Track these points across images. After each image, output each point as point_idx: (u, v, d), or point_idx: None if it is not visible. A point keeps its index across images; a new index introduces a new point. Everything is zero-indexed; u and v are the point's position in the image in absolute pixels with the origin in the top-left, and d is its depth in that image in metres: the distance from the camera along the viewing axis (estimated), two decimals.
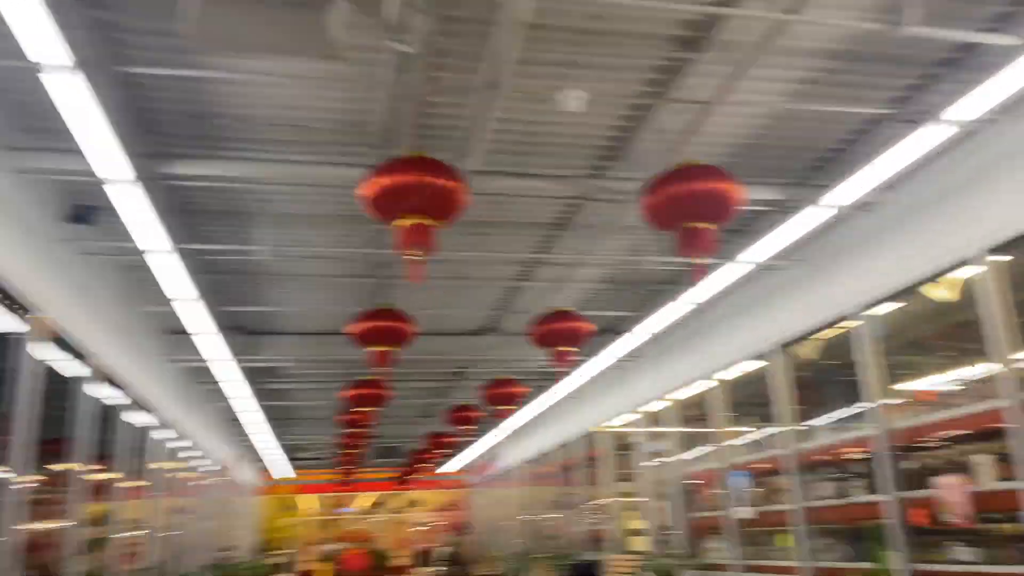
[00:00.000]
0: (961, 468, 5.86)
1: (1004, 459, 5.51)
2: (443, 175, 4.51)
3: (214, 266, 8.50)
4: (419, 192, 4.48)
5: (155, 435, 10.16)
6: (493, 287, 9.79)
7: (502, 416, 11.33)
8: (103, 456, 8.18)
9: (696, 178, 4.73)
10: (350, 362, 11.39)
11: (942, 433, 6.18)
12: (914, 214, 6.29)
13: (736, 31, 4.75)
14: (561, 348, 7.90)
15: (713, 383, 9.36)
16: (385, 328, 7.44)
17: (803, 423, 7.92)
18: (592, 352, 10.65)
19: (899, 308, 6.69)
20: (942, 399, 6.23)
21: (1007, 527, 5.52)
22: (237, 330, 10.90)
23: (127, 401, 8.72)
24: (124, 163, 5.08)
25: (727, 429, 9.24)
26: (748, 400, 9.27)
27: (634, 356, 11.19)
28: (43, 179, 6.08)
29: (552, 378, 12.73)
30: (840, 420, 7.60)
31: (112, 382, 8.22)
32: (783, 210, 6.94)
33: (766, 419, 8.54)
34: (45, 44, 3.89)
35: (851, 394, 7.17)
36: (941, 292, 6.23)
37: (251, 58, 4.90)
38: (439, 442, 17.36)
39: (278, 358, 10.92)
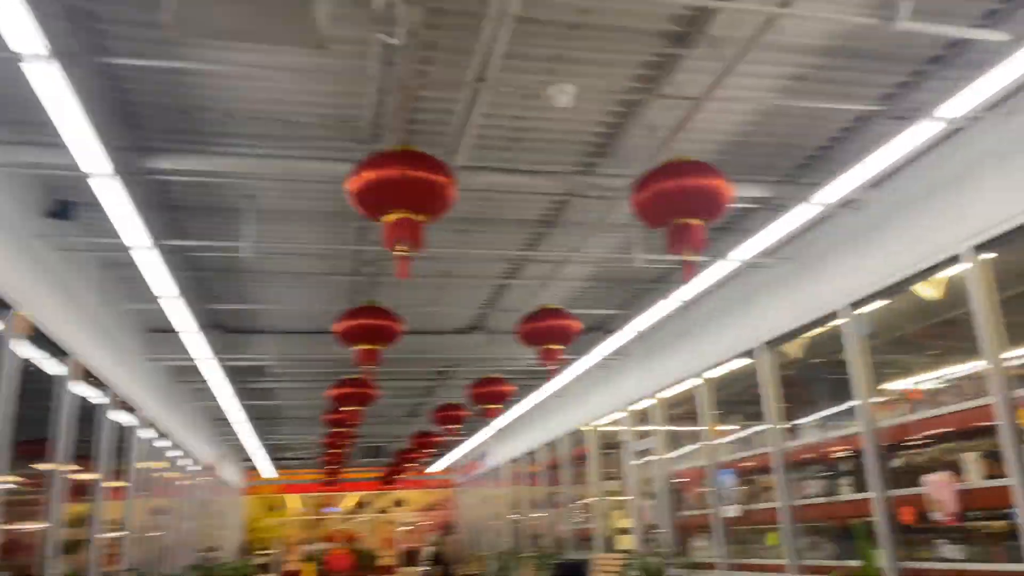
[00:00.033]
0: (949, 466, 5.86)
1: (992, 456, 5.51)
2: (431, 169, 4.45)
3: (196, 263, 8.39)
4: (406, 186, 4.41)
5: (137, 434, 10.02)
6: (480, 285, 9.72)
7: (489, 415, 11.25)
8: (84, 456, 8.06)
9: (686, 174, 4.69)
10: (335, 361, 11.30)
11: (929, 431, 6.18)
12: (901, 211, 6.28)
13: (726, 26, 4.71)
14: (549, 346, 7.85)
15: (700, 381, 9.33)
16: (371, 326, 7.37)
17: (790, 421, 7.91)
18: (579, 350, 10.61)
19: (886, 306, 6.68)
20: (929, 397, 6.22)
21: (995, 524, 5.52)
22: (220, 328, 10.79)
23: (108, 400, 8.60)
24: (103, 157, 4.97)
25: (714, 427, 9.22)
26: (735, 398, 9.25)
27: (621, 354, 11.16)
28: (21, 173, 5.96)
29: (539, 377, 12.68)
30: (827, 418, 7.58)
31: (93, 380, 8.10)
32: (770, 208, 6.92)
33: (753, 417, 8.53)
34: (20, 33, 3.78)
35: (838, 392, 7.16)
36: (928, 290, 6.23)
37: (235, 49, 4.81)
38: (425, 442, 17.27)
39: (262, 357, 10.81)
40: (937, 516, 5.80)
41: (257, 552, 25.69)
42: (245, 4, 3.27)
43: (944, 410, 6.01)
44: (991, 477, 5.48)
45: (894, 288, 6.39)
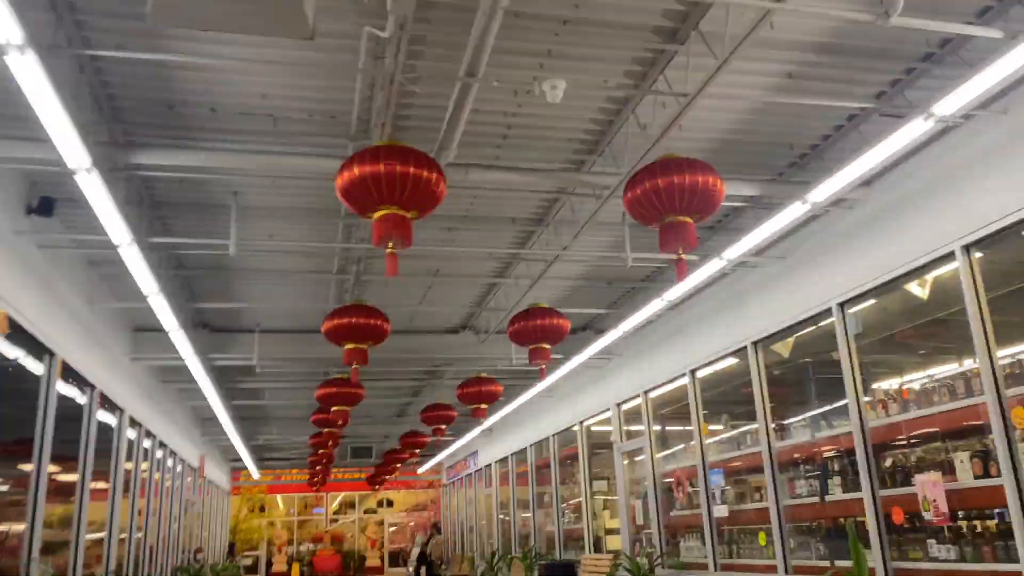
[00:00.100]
0: (940, 465, 5.84)
1: (983, 456, 5.49)
2: (420, 165, 4.39)
3: (181, 261, 8.29)
4: (395, 182, 4.34)
5: (120, 435, 9.89)
6: (469, 283, 9.66)
7: (477, 416, 11.18)
8: (67, 456, 7.95)
9: (679, 171, 4.64)
10: (323, 360, 11.23)
11: (920, 430, 6.16)
12: (893, 210, 6.26)
13: (719, 22, 4.66)
14: (539, 345, 7.80)
15: (690, 381, 9.30)
16: (358, 325, 7.30)
17: (780, 421, 7.88)
18: (569, 350, 10.56)
19: (878, 305, 6.66)
20: (920, 396, 6.20)
21: (987, 524, 5.50)
22: (205, 327, 10.68)
23: (91, 400, 8.48)
24: (84, 152, 4.87)
25: (704, 427, 9.18)
26: (725, 398, 9.23)
27: (611, 353, 11.12)
28: (2, 168, 5.84)
29: (528, 376, 12.62)
30: (818, 417, 7.56)
31: (75, 380, 7.98)
32: (762, 206, 6.89)
33: (744, 417, 8.50)
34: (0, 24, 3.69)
35: (829, 391, 7.15)
36: (920, 289, 6.21)
37: (221, 42, 4.73)
38: (413, 442, 17.19)
39: (247, 356, 10.69)
40: (928, 516, 5.78)
41: (243, 553, 25.53)
42: None
43: (935, 409, 6.00)
44: (982, 476, 5.47)
45: (886, 287, 6.37)
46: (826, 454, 7.17)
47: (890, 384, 6.83)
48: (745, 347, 8.12)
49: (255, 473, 24.79)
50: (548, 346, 7.85)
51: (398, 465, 21.60)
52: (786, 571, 7.40)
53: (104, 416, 9.15)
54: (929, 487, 5.79)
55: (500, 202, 7.28)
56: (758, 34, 4.44)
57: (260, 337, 10.64)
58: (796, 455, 7.56)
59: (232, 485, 26.61)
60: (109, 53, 4.73)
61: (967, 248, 5.51)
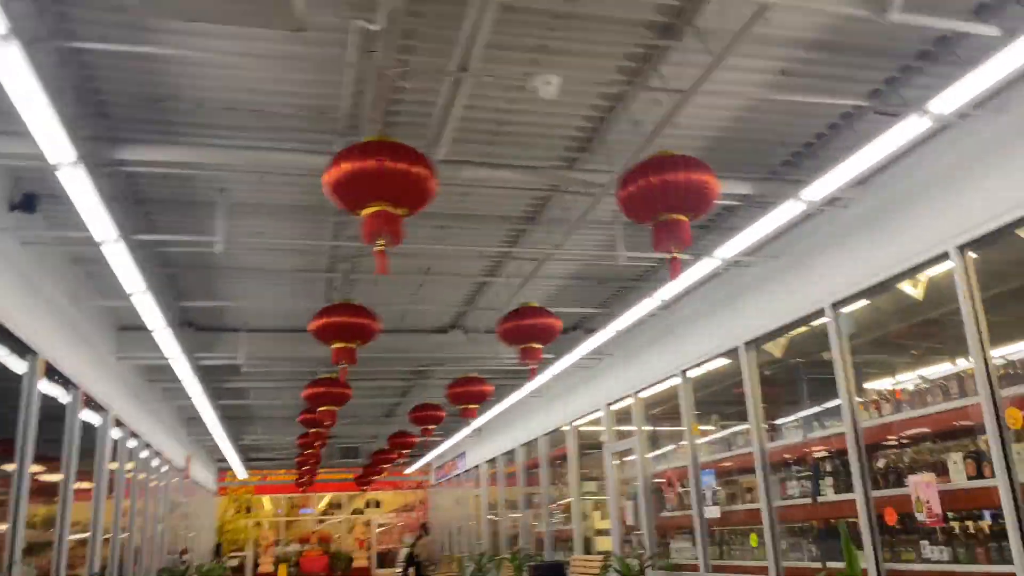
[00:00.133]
0: (933, 466, 5.81)
1: (976, 457, 5.46)
2: (411, 161, 4.31)
3: (167, 258, 8.18)
4: (385, 178, 4.26)
5: (105, 434, 9.77)
6: (460, 282, 9.58)
7: (467, 416, 11.10)
8: (51, 456, 7.83)
9: (673, 168, 4.58)
10: (311, 360, 11.12)
11: (913, 431, 6.13)
12: (888, 209, 6.23)
13: (714, 17, 4.61)
14: (529, 345, 7.74)
15: (681, 381, 9.25)
16: (347, 324, 7.21)
17: (772, 421, 7.85)
18: (560, 349, 10.49)
19: (871, 305, 6.63)
20: (914, 397, 6.17)
21: (980, 525, 5.47)
22: (191, 326, 10.56)
23: (76, 399, 8.35)
24: (68, 146, 4.76)
25: (695, 427, 9.14)
26: (717, 398, 9.20)
27: (602, 353, 11.06)
28: None
29: (517, 376, 12.55)
30: (810, 418, 7.53)
31: (59, 379, 7.86)
32: (755, 205, 6.84)
33: (735, 417, 8.46)
34: None
35: (822, 392, 7.11)
36: (913, 289, 6.18)
37: (207, 35, 4.64)
38: (402, 442, 17.09)
39: (234, 355, 10.57)
40: (921, 517, 5.75)
41: (230, 554, 25.36)
42: None
43: (928, 410, 5.97)
44: (976, 477, 5.44)
45: (880, 287, 6.34)
46: (818, 455, 7.14)
47: (883, 384, 6.80)
48: (737, 347, 8.08)
49: (242, 473, 24.62)
50: (539, 346, 7.78)
51: (386, 465, 21.48)
52: (778, 573, 7.36)
53: (88, 416, 9.03)
54: (922, 488, 5.76)
55: (491, 200, 7.21)
56: (753, 30, 4.39)
57: (247, 336, 10.53)
58: (788, 456, 7.52)
59: (218, 485, 26.43)
60: (93, 45, 4.62)
61: (962, 248, 5.49)
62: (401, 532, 28.00)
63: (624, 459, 11.15)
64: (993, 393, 5.26)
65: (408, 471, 27.15)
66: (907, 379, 6.70)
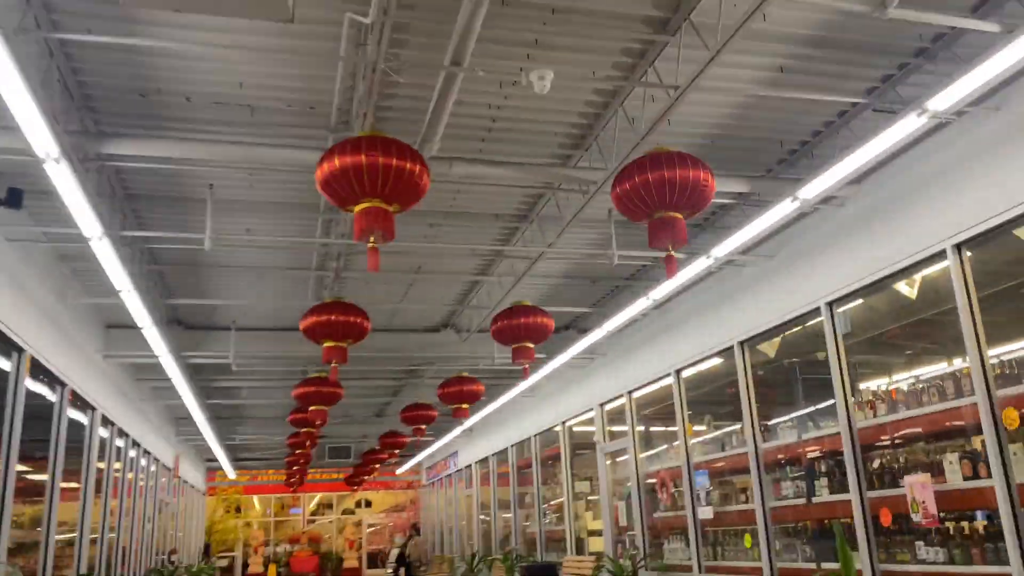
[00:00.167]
0: (928, 467, 5.77)
1: (972, 457, 5.43)
2: (403, 156, 4.23)
3: (155, 255, 8.08)
4: (377, 174, 4.19)
5: (92, 433, 9.65)
6: (452, 281, 9.51)
7: (459, 415, 11.03)
8: (36, 456, 7.72)
9: (670, 165, 4.52)
10: (301, 358, 11.03)
11: (909, 431, 6.09)
12: (884, 208, 6.19)
13: (712, 13, 4.55)
14: (522, 344, 7.67)
15: (675, 381, 9.20)
16: (338, 322, 7.12)
17: (767, 421, 7.80)
18: (553, 349, 10.43)
19: (867, 304, 6.59)
20: (909, 397, 6.13)
21: (976, 525, 5.44)
22: (179, 324, 10.45)
23: (62, 398, 8.24)
24: (53, 141, 4.66)
25: (689, 427, 9.09)
26: (711, 398, 9.15)
27: (594, 353, 11.01)
28: None
29: (510, 376, 12.49)
30: (805, 418, 7.49)
31: (45, 377, 7.74)
32: (750, 203, 6.80)
33: (729, 417, 8.42)
34: None
35: (816, 392, 7.07)
36: (909, 288, 6.14)
37: (196, 28, 4.55)
38: (393, 442, 16.99)
39: (223, 354, 10.46)
40: (917, 518, 5.71)
41: (219, 554, 25.21)
42: None
43: (924, 410, 5.93)
44: (972, 478, 5.40)
45: (875, 286, 6.30)
46: (813, 455, 7.09)
47: (878, 384, 6.76)
48: (732, 347, 8.04)
49: (231, 473, 24.47)
50: (532, 345, 7.72)
51: (377, 465, 21.37)
52: (772, 573, 7.32)
53: (75, 414, 8.91)
54: (918, 488, 5.72)
55: (484, 197, 7.14)
56: (750, 26, 4.33)
57: (236, 335, 10.42)
58: (782, 456, 7.48)
59: (208, 485, 26.26)
60: (79, 37, 4.54)
61: (958, 247, 5.45)
62: (392, 532, 27.88)
63: (617, 459, 11.09)
64: (990, 393, 5.22)
65: (399, 471, 27.04)
66: (903, 379, 6.66)
